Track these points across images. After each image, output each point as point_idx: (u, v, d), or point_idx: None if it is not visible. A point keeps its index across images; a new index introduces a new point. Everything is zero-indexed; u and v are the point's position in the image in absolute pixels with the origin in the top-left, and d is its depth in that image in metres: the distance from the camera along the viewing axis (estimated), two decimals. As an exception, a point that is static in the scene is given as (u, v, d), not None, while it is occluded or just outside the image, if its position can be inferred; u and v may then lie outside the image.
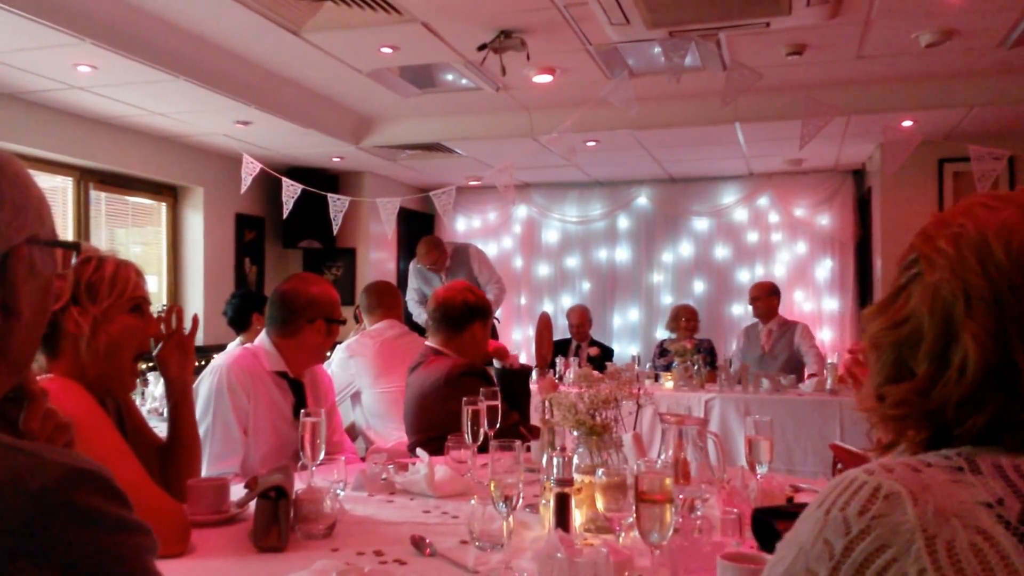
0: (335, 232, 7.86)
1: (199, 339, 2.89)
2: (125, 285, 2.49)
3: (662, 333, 9.29)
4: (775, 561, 1.15)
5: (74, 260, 1.27)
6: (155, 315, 2.67)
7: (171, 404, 2.79)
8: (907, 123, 7.58)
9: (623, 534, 2.21)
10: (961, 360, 1.12)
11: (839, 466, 3.19)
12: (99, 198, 8.03)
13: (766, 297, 8.22)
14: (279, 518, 2.29)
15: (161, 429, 2.88)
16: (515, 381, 4.03)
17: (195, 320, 2.89)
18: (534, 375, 7.14)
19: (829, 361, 7.05)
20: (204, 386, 3.43)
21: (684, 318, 8.54)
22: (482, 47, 5.91)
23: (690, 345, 7.56)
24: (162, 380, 2.86)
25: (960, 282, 1.13)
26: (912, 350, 1.18)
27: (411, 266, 8.86)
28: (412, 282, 8.81)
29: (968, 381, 1.11)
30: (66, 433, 1.42)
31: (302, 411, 2.79)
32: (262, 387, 3.47)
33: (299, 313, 3.56)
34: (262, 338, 3.65)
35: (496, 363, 4.34)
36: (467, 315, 4.16)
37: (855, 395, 2.57)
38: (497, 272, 8.98)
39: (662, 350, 8.50)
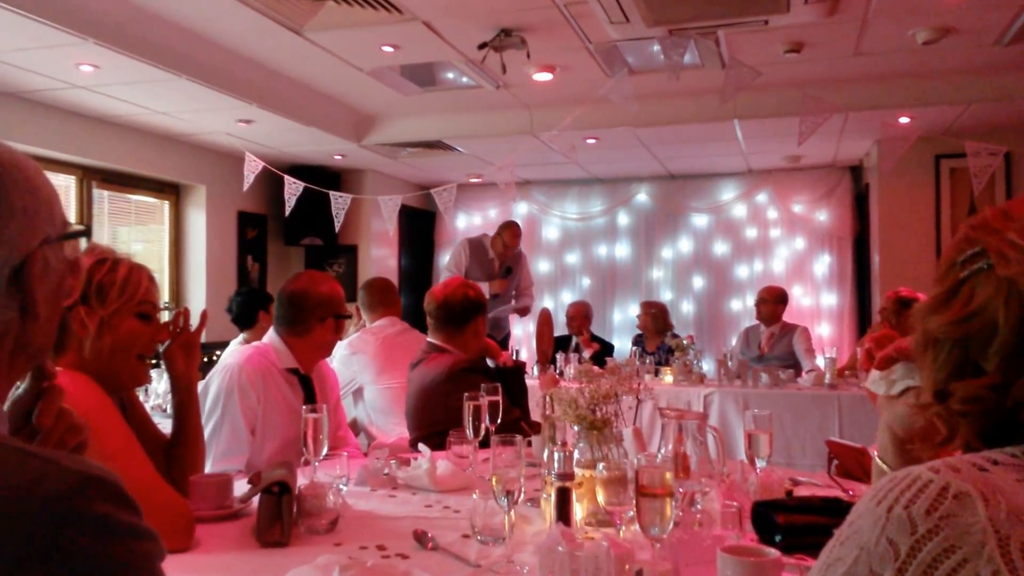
0: (337, 229, 7.90)
1: (202, 337, 2.92)
2: (136, 289, 2.51)
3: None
4: (831, 561, 1.08)
5: (84, 243, 1.29)
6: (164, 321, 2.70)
7: (176, 400, 2.81)
8: (904, 119, 7.59)
9: (624, 528, 2.23)
10: None
11: (835, 462, 3.21)
12: (102, 196, 8.05)
13: (772, 303, 8.22)
14: (282, 513, 2.31)
15: (164, 425, 2.90)
16: (509, 379, 4.05)
17: (203, 316, 2.91)
18: (535, 371, 7.17)
19: (827, 355, 7.06)
20: (214, 384, 3.47)
21: (645, 313, 8.64)
22: (482, 46, 5.93)
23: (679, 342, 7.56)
24: (166, 377, 2.88)
25: None
26: (982, 346, 1.14)
27: (465, 244, 8.64)
28: (459, 260, 8.50)
29: None
30: (79, 434, 1.41)
31: (304, 407, 2.82)
32: (273, 385, 3.52)
33: (311, 312, 3.62)
34: (271, 336, 3.69)
35: (488, 362, 4.36)
36: (469, 312, 4.18)
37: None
38: None
39: (642, 350, 8.49)
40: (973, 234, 1.20)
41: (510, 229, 8.47)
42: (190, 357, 2.81)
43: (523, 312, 8.81)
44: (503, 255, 8.45)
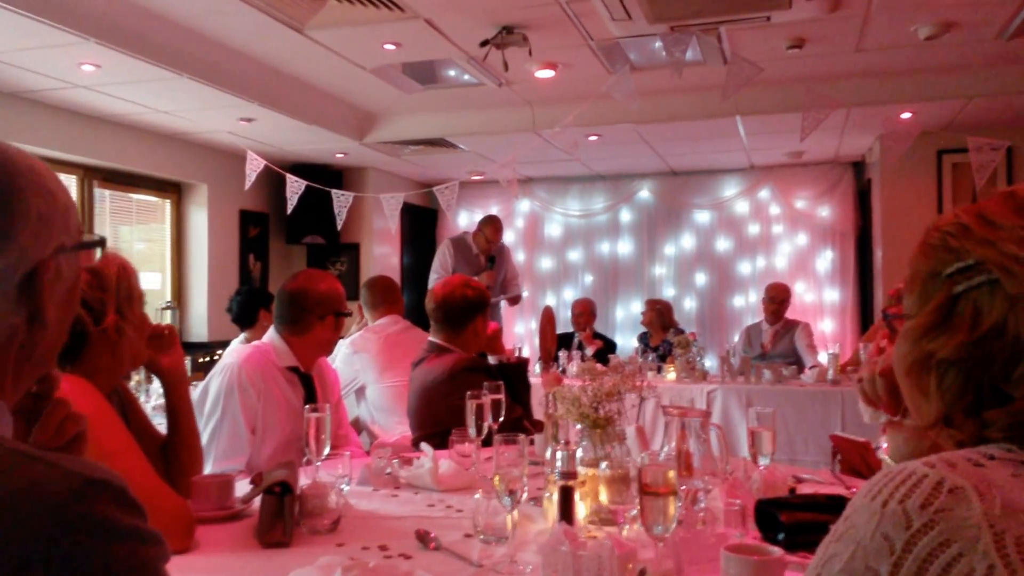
0: (339, 228, 7.89)
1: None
2: (138, 287, 2.53)
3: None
4: (827, 557, 1.08)
5: (99, 254, 1.28)
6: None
7: (167, 399, 2.78)
8: (906, 115, 7.59)
9: (627, 526, 2.23)
10: None
11: (838, 457, 3.20)
12: (103, 196, 8.05)
13: (781, 302, 8.24)
14: (284, 513, 2.30)
15: (164, 427, 2.89)
16: (512, 375, 4.04)
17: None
18: (537, 368, 7.16)
19: (830, 351, 7.05)
20: (214, 384, 3.46)
21: (650, 310, 8.66)
22: (484, 43, 5.92)
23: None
24: None
25: None
26: (1003, 368, 1.09)
27: (449, 244, 8.62)
28: (445, 260, 8.47)
29: None
30: (77, 423, 1.40)
31: (307, 407, 2.81)
32: (273, 384, 3.52)
33: (310, 310, 3.62)
34: (271, 335, 3.69)
35: (491, 358, 4.34)
36: (468, 311, 4.16)
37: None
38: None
39: (645, 346, 8.50)
40: (956, 243, 1.15)
41: (491, 224, 8.46)
42: (166, 350, 2.76)
43: (513, 301, 8.79)
44: (487, 250, 8.44)
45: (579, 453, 2.49)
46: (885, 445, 3.13)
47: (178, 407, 2.79)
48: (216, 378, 3.48)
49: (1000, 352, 1.09)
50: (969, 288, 1.12)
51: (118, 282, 2.43)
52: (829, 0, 5.25)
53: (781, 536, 2.14)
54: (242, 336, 6.37)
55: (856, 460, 3.14)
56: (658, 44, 6.12)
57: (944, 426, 1.16)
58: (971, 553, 0.95)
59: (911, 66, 6.91)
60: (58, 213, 1.15)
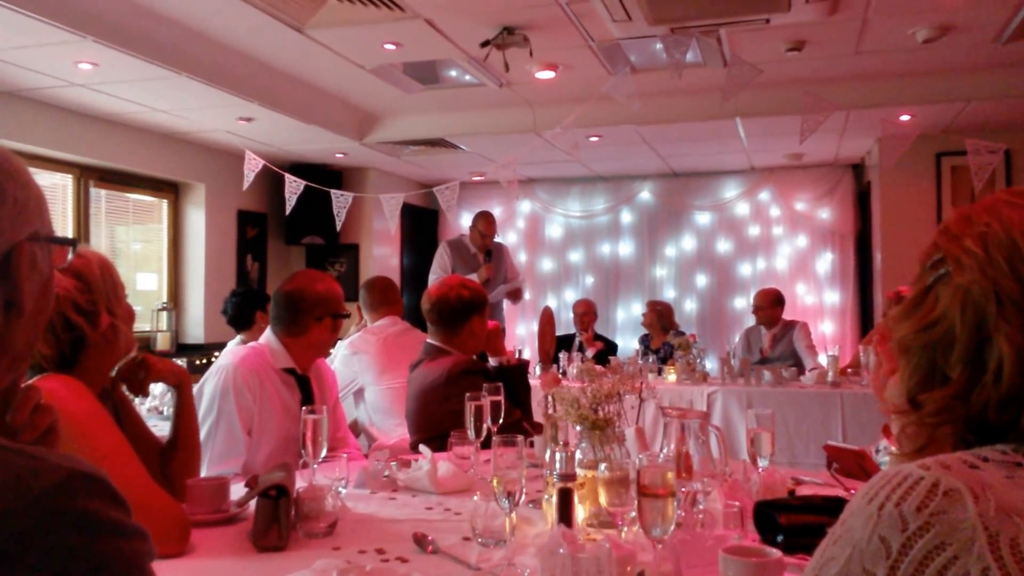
0: (338, 228, 7.86)
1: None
2: (119, 279, 2.53)
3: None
4: (824, 560, 1.09)
5: (70, 256, 1.27)
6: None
7: (176, 400, 2.79)
8: (905, 117, 7.58)
9: (626, 528, 2.22)
10: (997, 362, 1.10)
11: (834, 465, 3.19)
12: (99, 195, 8.02)
13: (770, 307, 8.22)
14: (279, 517, 2.28)
15: (160, 428, 2.87)
16: (512, 377, 4.01)
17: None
18: (537, 370, 7.15)
19: (830, 353, 7.03)
20: (209, 385, 3.44)
21: (651, 311, 8.67)
22: (485, 43, 5.92)
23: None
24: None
25: (990, 283, 1.12)
26: (945, 353, 1.16)
27: (446, 247, 8.60)
28: (443, 262, 8.44)
29: (1006, 383, 1.09)
30: (48, 414, 1.39)
31: (304, 408, 2.79)
32: (270, 385, 3.49)
33: (307, 312, 3.58)
34: (268, 336, 3.65)
35: (491, 360, 4.32)
36: (463, 311, 4.12)
37: (874, 376, 2.56)
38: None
39: (646, 348, 8.48)
40: (938, 239, 1.23)
41: (484, 218, 8.48)
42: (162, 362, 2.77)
43: (515, 296, 8.76)
44: (483, 245, 8.44)
45: (578, 455, 2.47)
46: (885, 445, 3.11)
47: (183, 409, 2.79)
48: (211, 380, 3.45)
49: (943, 338, 1.16)
50: (935, 280, 1.20)
51: (103, 280, 2.44)
52: (828, 3, 5.25)
53: (780, 538, 2.13)
54: (238, 338, 6.33)
55: (853, 468, 3.13)
56: (658, 46, 6.12)
57: (913, 409, 1.20)
58: (966, 555, 0.96)
59: (909, 69, 6.91)
60: (32, 201, 1.15)
